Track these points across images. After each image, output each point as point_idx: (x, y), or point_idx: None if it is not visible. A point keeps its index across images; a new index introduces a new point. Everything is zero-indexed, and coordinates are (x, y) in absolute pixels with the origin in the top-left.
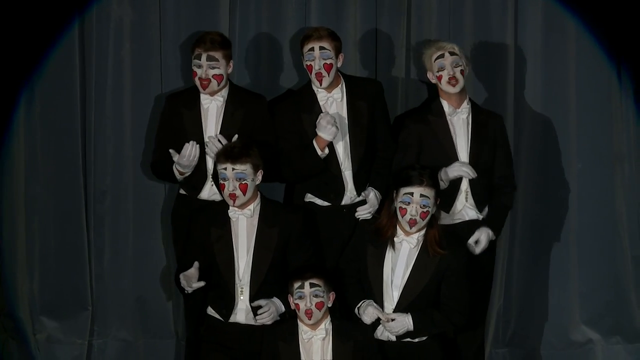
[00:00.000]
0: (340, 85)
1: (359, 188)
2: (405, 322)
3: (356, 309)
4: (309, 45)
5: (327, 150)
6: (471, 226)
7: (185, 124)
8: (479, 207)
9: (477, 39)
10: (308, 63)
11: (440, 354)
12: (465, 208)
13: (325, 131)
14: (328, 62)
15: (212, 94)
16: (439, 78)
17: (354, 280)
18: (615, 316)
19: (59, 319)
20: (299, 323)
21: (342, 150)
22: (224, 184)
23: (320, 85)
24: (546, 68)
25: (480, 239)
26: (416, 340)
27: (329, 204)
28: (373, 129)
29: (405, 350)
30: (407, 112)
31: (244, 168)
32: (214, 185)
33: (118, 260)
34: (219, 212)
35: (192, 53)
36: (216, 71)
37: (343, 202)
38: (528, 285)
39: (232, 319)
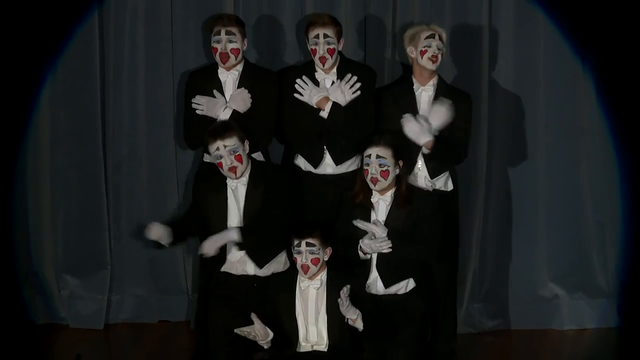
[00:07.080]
0: (336, 67)
1: (337, 159)
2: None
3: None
4: (314, 32)
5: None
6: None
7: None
8: (432, 176)
9: (455, 22)
10: (313, 47)
11: (423, 305)
12: (418, 175)
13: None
14: (331, 47)
15: (229, 68)
16: (422, 52)
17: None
18: (579, 275)
19: (81, 277)
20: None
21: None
22: (220, 162)
23: (323, 66)
24: (518, 51)
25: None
26: (401, 293)
27: (312, 169)
28: (354, 109)
29: (391, 303)
30: (382, 87)
31: (233, 142)
32: None
33: (133, 224)
34: (217, 178)
35: (210, 32)
36: (234, 45)
37: (321, 169)
38: (501, 247)
39: (241, 272)
